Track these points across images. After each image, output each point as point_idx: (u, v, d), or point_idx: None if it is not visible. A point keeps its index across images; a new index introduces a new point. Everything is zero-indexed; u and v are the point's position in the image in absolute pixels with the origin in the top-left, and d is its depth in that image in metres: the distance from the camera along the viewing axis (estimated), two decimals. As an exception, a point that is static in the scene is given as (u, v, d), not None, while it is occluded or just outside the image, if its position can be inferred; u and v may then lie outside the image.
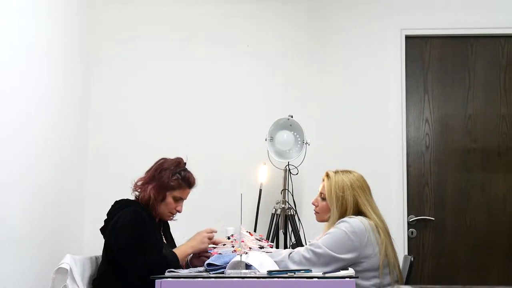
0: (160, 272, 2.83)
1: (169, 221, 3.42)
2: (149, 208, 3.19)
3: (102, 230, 3.20)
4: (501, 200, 4.26)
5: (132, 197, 3.26)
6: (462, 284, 4.08)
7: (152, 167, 3.27)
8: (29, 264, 3.34)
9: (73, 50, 4.06)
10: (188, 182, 3.26)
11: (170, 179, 3.20)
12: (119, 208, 3.16)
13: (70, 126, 4.01)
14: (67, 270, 2.98)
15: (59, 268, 3.00)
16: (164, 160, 3.28)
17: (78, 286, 3.00)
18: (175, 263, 3.05)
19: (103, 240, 3.17)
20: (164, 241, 3.30)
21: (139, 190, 3.23)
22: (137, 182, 3.25)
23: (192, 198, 4.17)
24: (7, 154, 3.10)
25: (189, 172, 3.28)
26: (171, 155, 3.35)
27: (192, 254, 3.25)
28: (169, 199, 3.22)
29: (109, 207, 3.23)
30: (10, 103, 3.15)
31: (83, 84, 4.24)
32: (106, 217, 3.20)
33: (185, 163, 3.30)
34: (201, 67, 4.35)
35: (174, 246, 3.36)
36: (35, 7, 3.47)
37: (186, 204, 4.13)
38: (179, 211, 3.28)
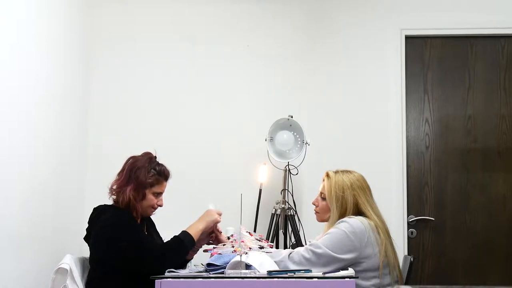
0: (178, 255, 2.90)
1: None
2: (129, 210, 3.15)
3: (86, 238, 3.17)
4: (501, 200, 4.26)
5: (110, 202, 3.23)
6: (462, 284, 4.08)
7: (124, 168, 3.20)
8: (29, 264, 3.34)
9: (73, 50, 4.06)
10: (164, 175, 3.22)
11: (147, 177, 3.15)
12: (99, 215, 3.13)
13: (70, 126, 4.01)
14: (67, 270, 2.98)
15: (59, 268, 3.00)
16: (135, 159, 3.21)
17: (78, 286, 3.00)
18: (192, 243, 3.06)
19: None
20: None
21: (116, 194, 3.17)
22: (112, 186, 3.18)
23: (193, 198, 4.19)
24: (7, 154, 3.10)
25: (162, 165, 3.23)
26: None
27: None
28: (150, 196, 3.17)
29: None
30: (10, 102, 3.14)
31: (83, 84, 4.24)
32: (88, 225, 3.18)
33: (155, 157, 3.25)
34: (201, 67, 4.35)
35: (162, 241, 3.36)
36: (35, 7, 3.47)
37: (186, 204, 4.15)
38: (161, 206, 3.25)
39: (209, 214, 3.20)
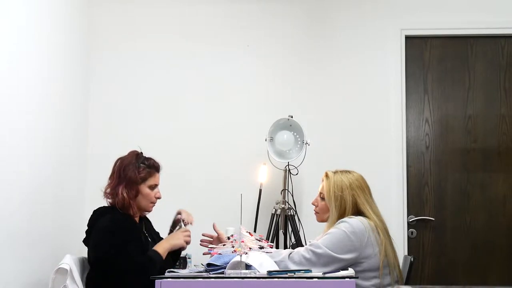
0: (149, 272, 2.83)
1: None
2: (126, 210, 3.17)
3: (85, 241, 3.20)
4: (501, 200, 4.26)
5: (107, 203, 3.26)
6: (462, 284, 4.08)
7: (114, 170, 3.24)
8: (29, 264, 3.34)
9: (73, 50, 4.06)
10: (155, 167, 3.26)
11: (137, 172, 3.19)
12: (97, 218, 3.16)
13: (70, 126, 4.01)
14: (67, 270, 2.98)
15: (59, 268, 3.00)
16: (121, 159, 3.25)
17: (77, 286, 3.00)
18: (160, 261, 3.07)
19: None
20: (149, 239, 3.30)
21: (110, 197, 3.20)
22: (106, 190, 3.22)
23: (193, 198, 4.19)
24: (7, 154, 3.10)
25: (150, 158, 3.28)
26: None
27: None
28: (146, 191, 3.21)
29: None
30: (10, 103, 3.14)
31: (83, 84, 4.24)
32: (87, 228, 3.21)
33: (141, 153, 3.29)
34: (201, 67, 4.35)
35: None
36: (35, 7, 3.47)
37: (186, 205, 4.14)
38: (159, 198, 3.28)
39: (175, 236, 3.24)
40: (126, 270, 2.99)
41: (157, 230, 3.46)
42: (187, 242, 3.25)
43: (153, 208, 3.31)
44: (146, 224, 3.39)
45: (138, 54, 4.36)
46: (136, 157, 3.24)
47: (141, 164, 3.22)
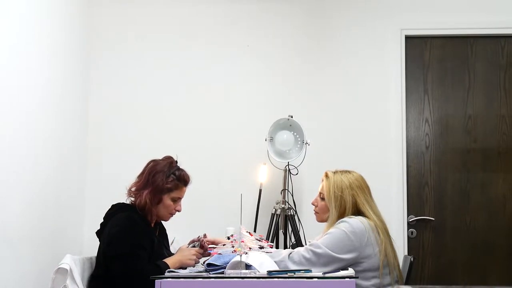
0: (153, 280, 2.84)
1: (167, 225, 3.41)
2: (145, 213, 3.16)
3: (98, 233, 3.21)
4: (501, 200, 4.26)
5: (128, 201, 3.25)
6: (462, 284, 4.08)
7: (144, 171, 3.21)
8: (29, 264, 3.34)
9: (73, 50, 4.06)
10: (184, 181, 3.23)
11: (165, 182, 3.16)
12: (115, 212, 3.15)
13: (70, 126, 4.01)
14: (67, 270, 2.98)
15: (59, 268, 3.00)
16: (155, 163, 3.22)
17: (78, 286, 3.00)
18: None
19: (102, 241, 3.17)
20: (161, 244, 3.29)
21: (133, 196, 3.19)
22: (131, 187, 3.20)
23: (192, 198, 4.18)
24: (7, 154, 3.10)
25: (182, 170, 3.25)
26: (171, 155, 3.32)
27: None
28: (168, 201, 3.19)
29: (109, 207, 3.23)
30: (10, 103, 3.14)
31: (83, 84, 4.24)
32: (103, 220, 3.21)
33: (176, 162, 3.27)
34: (201, 67, 4.35)
35: (169, 251, 3.35)
36: (35, 7, 3.47)
37: (186, 205, 4.14)
38: (179, 211, 3.26)
39: (187, 255, 3.16)
40: (132, 274, 2.97)
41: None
42: (196, 262, 3.21)
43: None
44: (160, 229, 3.38)
45: (138, 54, 4.36)
46: (169, 165, 3.21)
47: (171, 175, 3.19)
